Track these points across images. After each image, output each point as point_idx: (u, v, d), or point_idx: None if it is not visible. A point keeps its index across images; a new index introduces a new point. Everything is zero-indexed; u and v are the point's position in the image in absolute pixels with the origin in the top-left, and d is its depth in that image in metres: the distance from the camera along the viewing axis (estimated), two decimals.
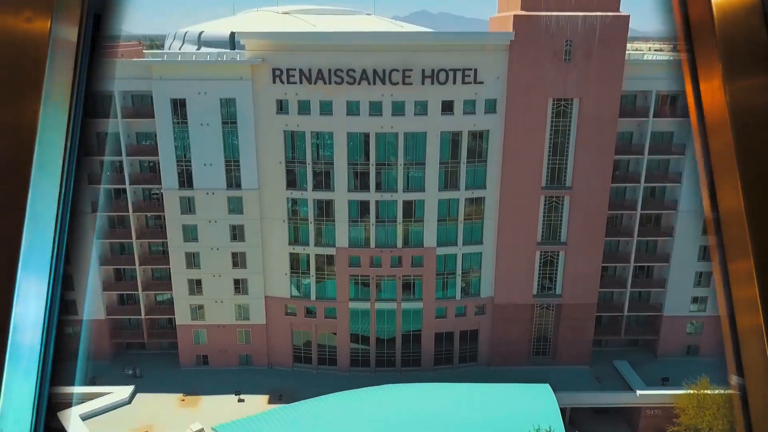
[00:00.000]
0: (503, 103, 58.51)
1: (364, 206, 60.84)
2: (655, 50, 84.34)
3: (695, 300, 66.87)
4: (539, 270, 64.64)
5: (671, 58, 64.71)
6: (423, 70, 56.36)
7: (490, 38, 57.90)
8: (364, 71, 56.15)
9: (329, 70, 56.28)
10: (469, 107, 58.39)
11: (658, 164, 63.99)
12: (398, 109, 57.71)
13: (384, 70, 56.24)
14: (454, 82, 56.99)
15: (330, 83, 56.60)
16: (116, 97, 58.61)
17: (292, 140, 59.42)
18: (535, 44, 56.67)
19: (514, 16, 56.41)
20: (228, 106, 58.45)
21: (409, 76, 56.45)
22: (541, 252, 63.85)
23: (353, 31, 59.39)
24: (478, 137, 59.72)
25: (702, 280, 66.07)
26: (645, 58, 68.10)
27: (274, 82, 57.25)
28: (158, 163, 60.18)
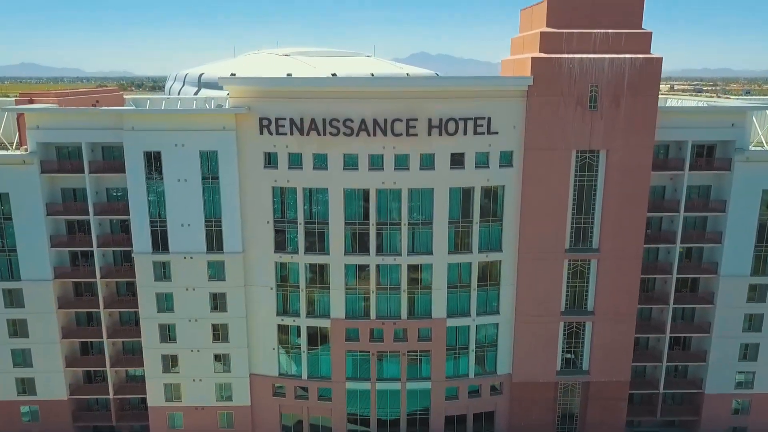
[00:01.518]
0: (520, 156, 51.66)
1: (363, 271, 53.32)
2: (680, 92, 78.13)
3: (741, 375, 58.67)
4: (563, 343, 56.66)
5: (707, 103, 58.23)
6: (429, 120, 49.69)
7: (506, 83, 51.42)
8: (363, 121, 49.49)
9: (324, 120, 49.63)
10: (482, 160, 51.49)
11: (695, 222, 56.75)
12: (402, 162, 50.83)
13: (385, 120, 49.58)
14: (465, 133, 50.26)
15: (324, 134, 49.88)
16: (84, 150, 51.84)
17: (282, 197, 52.35)
18: (557, 90, 50.17)
19: (533, 58, 50.08)
20: (209, 160, 51.59)
21: (414, 126, 49.75)
22: (565, 323, 55.98)
23: (351, 76, 53.00)
24: (493, 194, 52.65)
25: (749, 352, 58.02)
26: (671, 102, 61.66)
27: (261, 132, 50.55)
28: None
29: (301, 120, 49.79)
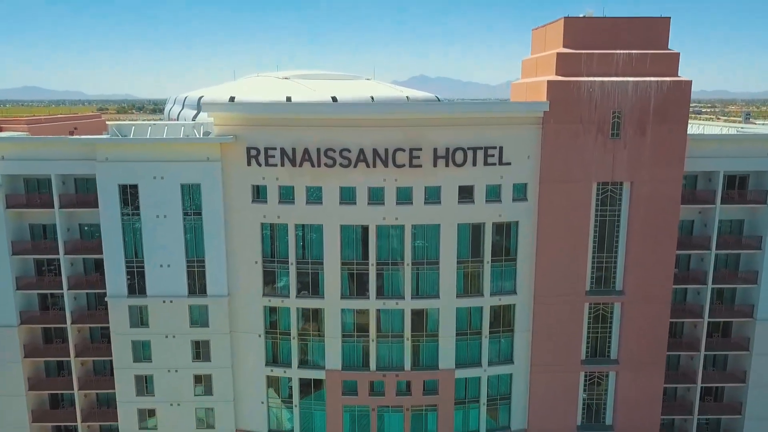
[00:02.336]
0: (535, 189, 46.70)
1: (361, 317, 48.02)
2: (705, 117, 73.50)
3: None
4: (584, 395, 51.06)
5: (740, 131, 53.46)
6: (435, 149, 44.85)
7: (519, 109, 46.61)
8: (361, 151, 44.65)
9: (318, 150, 44.80)
10: (494, 194, 46.53)
11: (727, 260, 51.63)
12: (404, 196, 45.87)
13: (386, 150, 44.73)
14: (474, 164, 45.38)
15: (319, 165, 45.01)
16: (54, 182, 46.93)
17: (272, 235, 47.28)
18: (575, 116, 45.43)
19: (549, 82, 45.42)
20: (191, 194, 46.66)
21: (418, 157, 44.89)
22: (586, 372, 50.44)
23: (348, 103, 47.96)
24: (506, 230, 47.55)
25: None
26: (693, 129, 56.87)
27: (249, 164, 45.68)
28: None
29: (293, 150, 44.98)
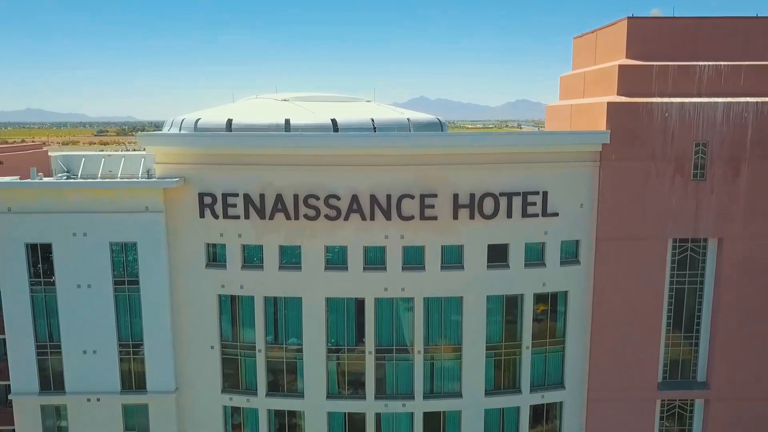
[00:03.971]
0: (591, 249, 34.51)
1: (356, 424, 35.40)
2: None
3: None
4: None
5: None
6: (456, 196, 32.76)
7: (570, 141, 34.42)
8: (355, 198, 32.59)
9: (296, 197, 32.75)
10: (535, 255, 34.33)
11: None
12: (414, 258, 33.71)
13: (389, 196, 32.66)
14: (509, 215, 33.24)
15: (297, 218, 32.92)
16: None
17: (233, 311, 35.01)
18: (645, 151, 33.45)
19: (609, 104, 33.44)
20: (125, 256, 34.49)
21: (432, 206, 32.78)
22: None
23: (334, 134, 35.31)
24: (551, 304, 35.25)
25: None
26: None
27: (202, 215, 33.59)
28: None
29: (262, 196, 32.91)
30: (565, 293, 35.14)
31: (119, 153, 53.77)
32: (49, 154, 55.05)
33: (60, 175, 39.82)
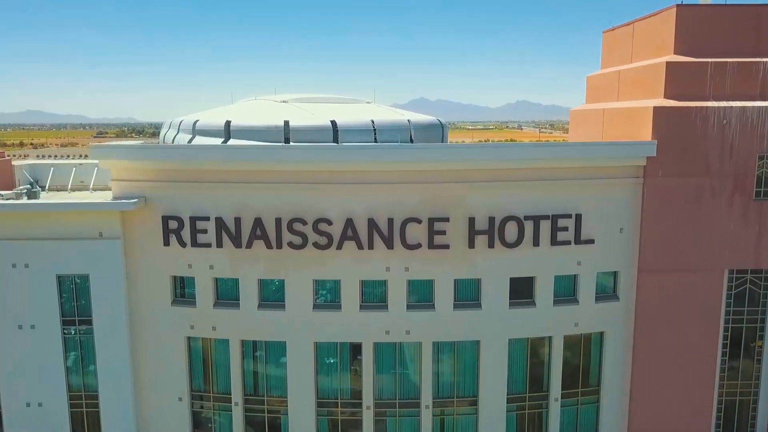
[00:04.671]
0: (632, 282, 28.88)
1: None
2: None
3: None
4: None
5: None
6: (472, 220, 27.15)
7: (610, 153, 28.57)
8: (350, 223, 26.99)
9: (278, 221, 27.14)
10: (566, 290, 28.73)
11: None
12: (421, 295, 28.13)
13: (391, 220, 27.06)
14: (536, 243, 27.60)
15: (280, 246, 27.31)
16: None
17: (205, 356, 29.37)
18: (698, 165, 27.85)
19: (656, 109, 27.82)
20: (76, 290, 28.88)
21: (443, 232, 27.16)
22: None
23: (324, 146, 29.33)
24: (584, 348, 29.60)
25: None
26: None
27: (167, 242, 27.97)
28: None
29: (238, 221, 27.31)
30: (601, 335, 29.50)
31: (91, 161, 48.32)
32: (13, 163, 49.30)
33: (21, 188, 34.45)
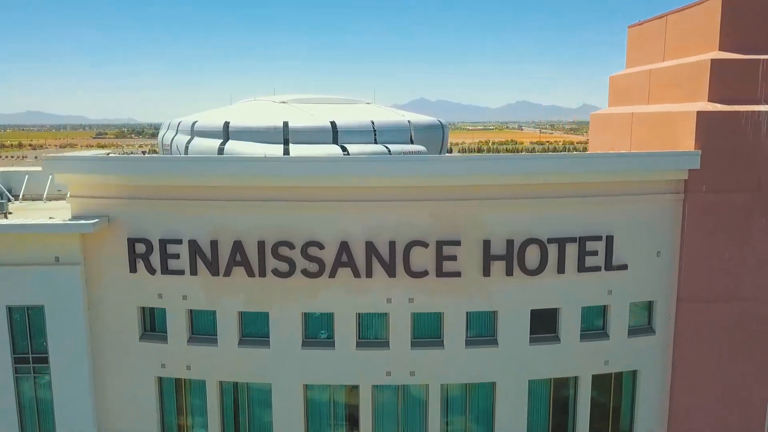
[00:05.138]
0: (670, 313, 25.07)
1: None
2: None
3: None
4: None
5: None
6: (487, 243, 23.31)
7: (650, 165, 24.46)
8: (345, 246, 23.17)
9: (261, 244, 23.33)
10: (594, 323, 24.93)
11: None
12: (427, 329, 24.31)
13: (393, 243, 23.24)
14: (562, 270, 23.76)
15: (263, 274, 23.49)
16: None
17: (179, 399, 25.53)
18: (748, 178, 24.04)
19: (700, 114, 24.01)
20: (29, 324, 25.06)
21: (454, 257, 23.33)
22: None
23: (317, 157, 25.67)
24: (614, 389, 25.76)
25: None
26: None
27: (134, 269, 24.14)
28: None
29: (215, 244, 23.48)
30: (634, 374, 25.66)
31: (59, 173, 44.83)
32: None
33: None
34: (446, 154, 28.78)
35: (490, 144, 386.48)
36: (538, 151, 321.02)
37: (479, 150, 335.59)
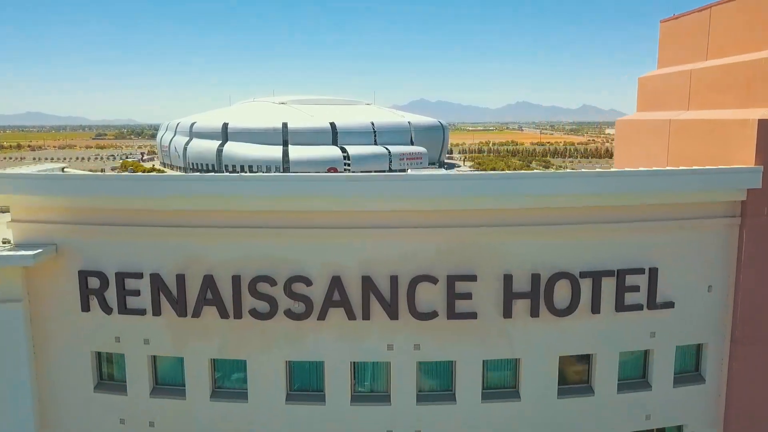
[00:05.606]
0: (723, 358, 21.21)
1: None
2: None
3: None
4: None
5: None
6: (508, 278, 19.44)
7: (708, 185, 20.66)
8: (337, 282, 19.31)
9: (236, 280, 19.48)
10: (634, 371, 21.06)
11: None
12: (436, 380, 20.45)
13: (395, 278, 19.38)
14: (596, 309, 19.89)
15: (239, 316, 19.63)
16: None
17: None
18: None
19: (762, 122, 20.13)
20: None
21: (469, 296, 19.46)
22: None
23: (305, 175, 22.38)
24: None
25: None
26: None
27: (86, 307, 20.27)
28: None
29: (181, 279, 19.61)
30: (679, 429, 21.76)
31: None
32: None
33: None
34: (456, 172, 24.90)
35: (490, 145, 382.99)
36: (538, 152, 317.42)
37: (479, 151, 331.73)
